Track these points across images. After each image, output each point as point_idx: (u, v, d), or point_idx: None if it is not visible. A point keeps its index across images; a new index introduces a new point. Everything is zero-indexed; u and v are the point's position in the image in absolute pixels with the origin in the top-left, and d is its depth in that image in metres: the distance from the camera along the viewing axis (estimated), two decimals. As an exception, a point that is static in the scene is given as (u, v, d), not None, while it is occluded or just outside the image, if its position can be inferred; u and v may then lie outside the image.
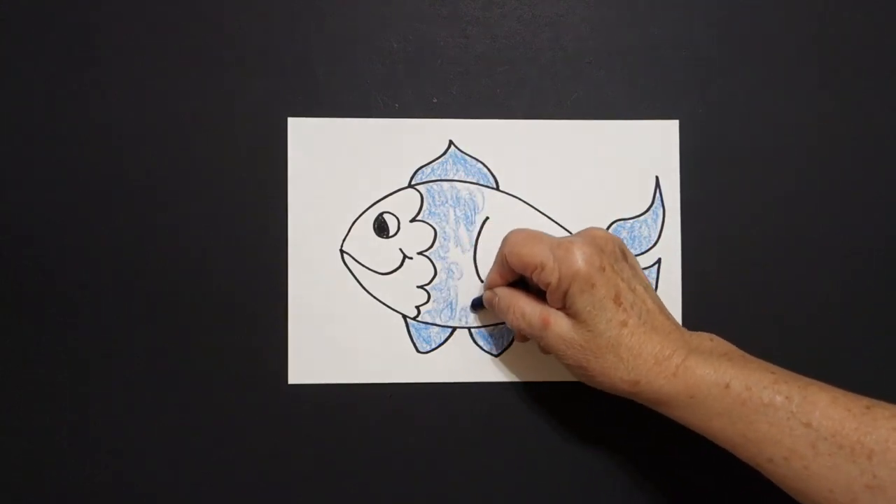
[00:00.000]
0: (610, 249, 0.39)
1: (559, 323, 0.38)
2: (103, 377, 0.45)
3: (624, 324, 0.37)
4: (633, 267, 0.40)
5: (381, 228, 0.46)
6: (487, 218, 0.46)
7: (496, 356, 0.46)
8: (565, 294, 0.38)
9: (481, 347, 0.46)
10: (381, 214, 0.46)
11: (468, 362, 0.46)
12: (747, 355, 0.38)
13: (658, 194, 0.46)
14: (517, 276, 0.42)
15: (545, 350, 0.41)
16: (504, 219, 0.46)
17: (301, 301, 0.45)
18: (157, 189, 0.45)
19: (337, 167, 0.46)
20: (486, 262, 0.46)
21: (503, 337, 0.46)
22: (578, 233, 0.40)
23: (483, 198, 0.46)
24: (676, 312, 0.46)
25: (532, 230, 0.41)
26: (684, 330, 0.39)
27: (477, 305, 0.46)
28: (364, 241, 0.46)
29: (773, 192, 0.46)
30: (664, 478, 0.46)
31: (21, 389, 0.45)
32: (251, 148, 0.45)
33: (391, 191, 0.46)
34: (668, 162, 0.46)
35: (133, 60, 0.45)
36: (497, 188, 0.46)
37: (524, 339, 0.44)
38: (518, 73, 0.46)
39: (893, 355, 0.46)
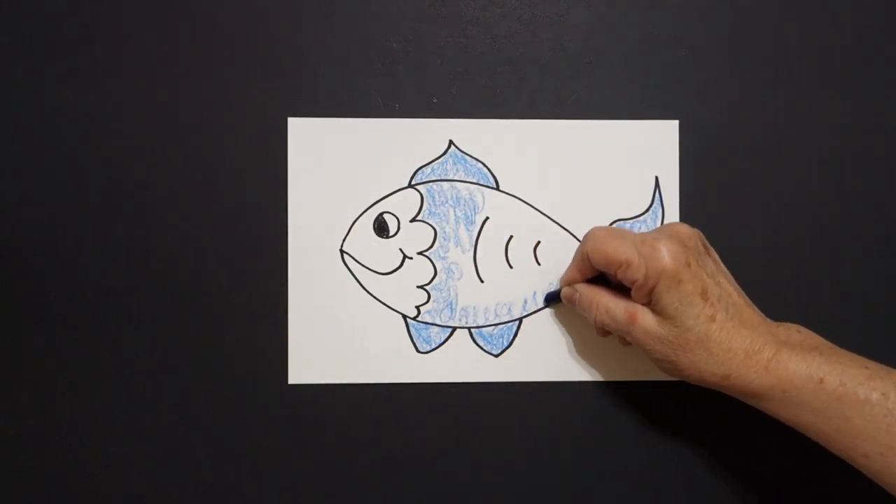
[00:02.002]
0: (693, 245, 0.39)
1: (646, 319, 0.39)
2: (103, 377, 0.45)
3: (712, 318, 0.37)
4: (716, 261, 0.40)
5: (381, 228, 0.46)
6: (487, 218, 0.46)
7: (496, 356, 0.46)
8: (651, 291, 0.38)
9: (481, 347, 0.46)
10: (381, 214, 0.46)
11: (468, 362, 0.46)
12: (837, 347, 0.38)
13: (658, 194, 0.46)
14: (597, 272, 0.42)
15: (629, 343, 0.41)
16: (504, 219, 0.46)
17: (301, 301, 0.45)
18: (157, 189, 0.45)
19: (337, 167, 0.46)
20: (487, 262, 0.46)
21: (503, 337, 0.46)
22: (660, 229, 0.40)
23: (483, 198, 0.46)
24: (676, 312, 0.46)
25: (614, 227, 0.41)
26: (771, 322, 0.39)
27: (551, 300, 0.46)
28: (364, 241, 0.46)
29: (772, 192, 0.46)
30: (667, 478, 0.46)
31: (21, 389, 0.45)
32: (251, 148, 0.45)
33: (391, 191, 0.46)
34: (668, 162, 0.46)
35: (133, 61, 0.45)
36: (497, 188, 0.46)
37: (606, 333, 0.43)
38: (518, 73, 0.46)
39: (894, 355, 0.46)
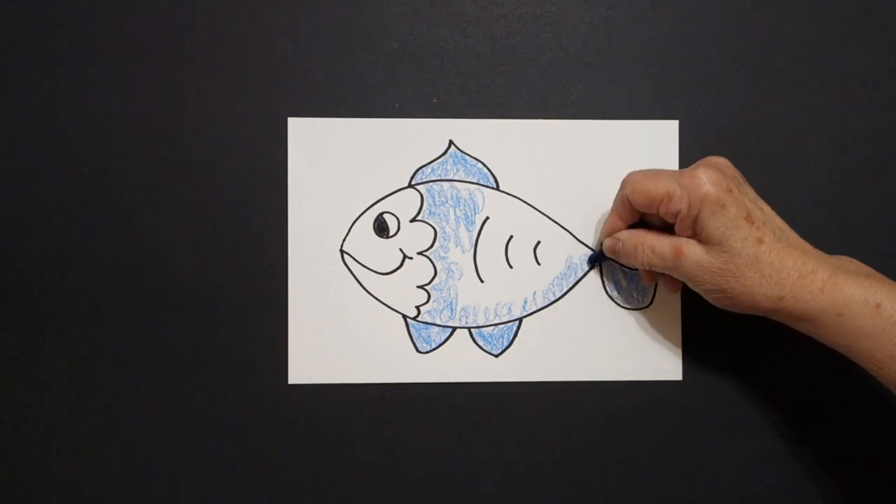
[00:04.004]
0: (731, 173, 0.39)
1: (693, 250, 0.39)
2: (103, 377, 0.45)
3: (760, 240, 0.37)
4: (754, 191, 0.40)
5: (381, 228, 0.46)
6: (487, 218, 0.46)
7: (496, 356, 0.46)
8: (696, 219, 0.38)
9: (481, 347, 0.46)
10: (381, 214, 0.46)
11: (468, 362, 0.46)
12: (889, 279, 0.38)
13: (658, 194, 0.46)
14: (638, 217, 0.42)
15: (677, 289, 0.41)
16: (504, 219, 0.46)
17: (301, 301, 0.45)
18: (157, 189, 0.45)
19: (337, 167, 0.46)
20: (487, 262, 0.46)
21: (503, 337, 0.46)
22: (696, 162, 0.40)
23: (483, 198, 0.46)
24: (676, 312, 0.46)
25: (650, 169, 0.41)
26: (820, 251, 0.39)
27: (594, 259, 0.46)
28: (364, 241, 0.46)
29: (771, 192, 0.46)
30: (667, 478, 0.46)
31: (21, 389, 0.45)
32: (251, 148, 0.45)
33: (391, 191, 0.46)
34: (668, 162, 0.46)
35: (133, 61, 0.45)
36: (497, 188, 0.46)
37: (654, 278, 0.44)
38: (518, 73, 0.46)
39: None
